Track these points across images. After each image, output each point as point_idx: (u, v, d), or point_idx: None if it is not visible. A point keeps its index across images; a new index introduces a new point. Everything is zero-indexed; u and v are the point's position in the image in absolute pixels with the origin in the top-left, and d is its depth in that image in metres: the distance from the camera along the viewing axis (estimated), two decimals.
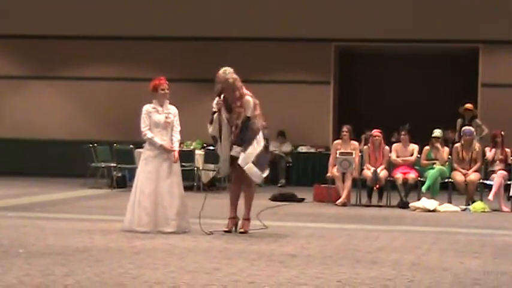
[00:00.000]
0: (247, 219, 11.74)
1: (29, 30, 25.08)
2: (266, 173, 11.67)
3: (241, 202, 11.84)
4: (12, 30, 25.20)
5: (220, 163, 11.94)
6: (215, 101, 11.53)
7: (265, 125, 11.71)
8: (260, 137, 11.45)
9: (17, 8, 25.19)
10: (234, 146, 11.46)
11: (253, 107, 11.43)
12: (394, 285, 7.76)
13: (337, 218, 14.62)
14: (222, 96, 11.46)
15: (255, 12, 24.16)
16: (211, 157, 19.90)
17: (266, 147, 11.70)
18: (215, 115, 11.53)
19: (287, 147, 23.31)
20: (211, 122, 11.55)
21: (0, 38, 25.50)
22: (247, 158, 11.30)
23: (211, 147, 19.66)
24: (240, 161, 11.29)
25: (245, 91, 11.50)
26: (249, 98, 11.41)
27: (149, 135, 11.63)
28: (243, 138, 11.39)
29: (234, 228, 11.66)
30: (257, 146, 11.40)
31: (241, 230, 11.63)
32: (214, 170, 20.07)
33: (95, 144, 21.61)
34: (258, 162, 11.35)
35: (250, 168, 11.29)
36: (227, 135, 11.48)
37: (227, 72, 11.41)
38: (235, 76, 11.41)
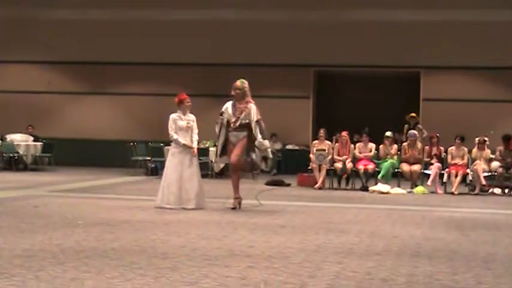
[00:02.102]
0: (236, 197, 11.64)
1: (86, 58, 25.03)
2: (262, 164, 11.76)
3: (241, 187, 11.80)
4: (73, 57, 25.15)
5: (218, 148, 11.96)
6: (228, 104, 11.64)
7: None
8: (261, 138, 11.53)
9: (77, 41, 25.12)
10: (234, 133, 11.50)
11: (256, 112, 11.51)
12: (357, 248, 7.74)
13: (315, 198, 14.60)
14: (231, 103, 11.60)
15: (254, 45, 24.12)
16: None
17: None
18: (219, 119, 11.63)
19: (278, 146, 23.31)
20: (221, 114, 11.63)
21: (65, 64, 25.38)
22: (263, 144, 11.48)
23: None
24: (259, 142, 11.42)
25: (251, 99, 11.55)
26: (253, 106, 11.48)
27: (175, 136, 11.65)
28: (241, 131, 11.47)
29: (238, 206, 11.63)
30: (262, 144, 11.51)
31: (231, 206, 11.55)
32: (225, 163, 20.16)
33: (135, 143, 21.68)
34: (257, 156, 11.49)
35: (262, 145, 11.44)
36: (223, 132, 11.55)
37: (243, 82, 11.58)
38: (247, 86, 11.55)
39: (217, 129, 11.72)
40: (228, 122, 11.56)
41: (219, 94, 21.53)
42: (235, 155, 11.50)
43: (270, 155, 12.17)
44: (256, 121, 11.42)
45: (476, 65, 23.33)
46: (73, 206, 11.58)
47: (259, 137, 11.41)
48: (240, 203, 11.64)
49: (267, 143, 11.61)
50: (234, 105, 11.57)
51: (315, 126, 22.55)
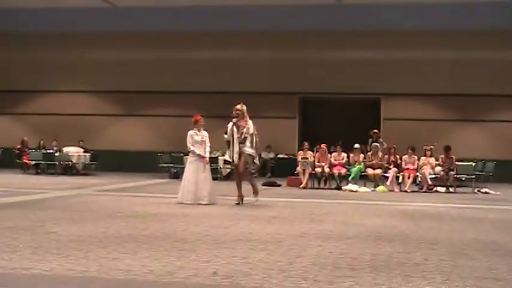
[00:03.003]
0: (254, 192, 11.67)
1: (123, 88, 25.02)
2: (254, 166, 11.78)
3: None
4: (113, 88, 25.18)
5: (231, 155, 11.87)
6: (230, 124, 11.62)
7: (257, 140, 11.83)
8: (256, 145, 11.57)
9: (116, 74, 25.17)
10: (240, 145, 11.51)
11: (253, 128, 11.56)
12: (333, 234, 7.72)
13: (300, 195, 14.59)
14: (235, 120, 11.58)
15: (253, 78, 24.15)
16: (227, 161, 19.95)
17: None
18: (229, 129, 11.59)
19: (271, 155, 23.28)
20: (226, 133, 11.59)
21: (107, 92, 25.38)
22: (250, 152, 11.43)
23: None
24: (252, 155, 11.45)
25: (248, 119, 11.55)
26: (251, 122, 11.53)
27: (191, 148, 11.63)
28: (245, 142, 11.48)
29: (241, 202, 11.63)
30: (254, 150, 11.52)
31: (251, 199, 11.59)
32: (231, 168, 20.13)
33: (161, 153, 21.59)
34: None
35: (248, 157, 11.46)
36: (236, 140, 11.56)
37: (242, 105, 11.56)
38: (245, 108, 11.54)
39: (226, 140, 11.71)
40: (232, 136, 11.58)
41: (225, 115, 21.48)
42: (242, 166, 11.48)
43: (257, 162, 12.07)
44: (251, 134, 11.43)
45: (425, 92, 23.32)
46: (113, 202, 11.56)
47: (247, 145, 11.38)
48: (242, 200, 11.64)
49: (248, 150, 11.36)
50: (236, 124, 11.59)
51: (300, 140, 22.54)
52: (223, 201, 11.71)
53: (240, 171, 11.60)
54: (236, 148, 11.45)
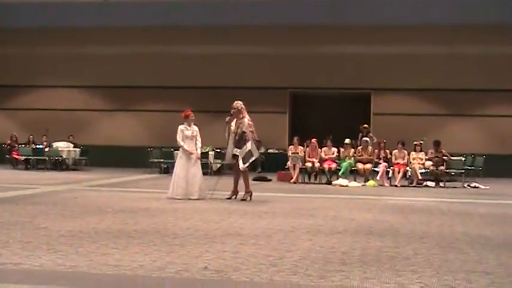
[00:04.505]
0: (246, 192, 11.44)
1: (113, 83, 24.98)
2: (247, 165, 11.58)
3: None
4: (104, 83, 25.15)
5: (226, 154, 11.92)
6: (227, 118, 11.59)
7: (256, 136, 11.66)
8: (249, 143, 11.39)
9: (107, 69, 25.11)
10: (235, 148, 11.46)
11: (247, 125, 11.44)
12: (323, 228, 7.73)
13: (290, 190, 14.59)
14: (227, 119, 11.53)
15: (244, 72, 24.13)
16: (218, 156, 19.97)
17: (258, 143, 11.52)
18: (227, 126, 11.59)
19: (262, 150, 23.20)
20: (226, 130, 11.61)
21: (98, 87, 25.30)
22: (240, 153, 11.30)
23: (218, 150, 19.78)
24: (238, 154, 11.28)
25: (246, 115, 11.39)
26: (246, 120, 11.36)
27: (181, 143, 11.58)
28: (241, 143, 11.39)
29: (234, 196, 11.57)
30: (246, 148, 11.37)
31: (242, 198, 11.33)
32: (220, 163, 20.13)
33: (151, 148, 21.55)
34: (244, 158, 11.34)
35: (241, 161, 11.30)
36: (232, 140, 11.51)
37: (239, 102, 11.44)
38: (242, 106, 11.40)
39: (226, 134, 11.57)
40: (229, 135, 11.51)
41: (216, 110, 21.65)
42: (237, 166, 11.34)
43: (244, 169, 11.41)
44: (243, 132, 11.31)
45: (414, 87, 23.39)
46: (104, 197, 11.51)
47: (235, 150, 11.22)
48: (236, 195, 11.54)
49: (237, 150, 11.17)
50: (230, 122, 11.49)
51: (291, 135, 22.54)
52: (213, 196, 11.67)
53: (236, 170, 11.49)
54: (230, 147, 11.43)
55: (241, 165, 11.20)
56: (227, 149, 11.63)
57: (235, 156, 11.35)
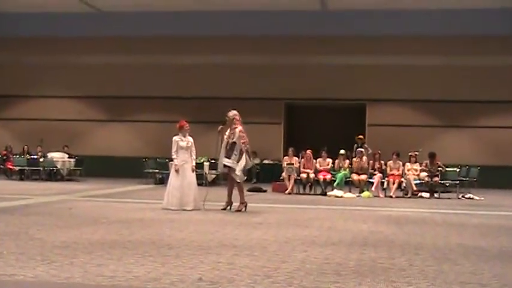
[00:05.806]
0: (241, 203, 11.42)
1: (108, 93, 25.16)
2: (244, 178, 11.58)
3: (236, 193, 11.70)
4: (98, 93, 25.30)
5: (218, 164, 11.91)
6: (219, 127, 11.55)
7: (248, 147, 11.61)
8: (243, 158, 11.34)
9: (101, 80, 25.19)
10: (225, 158, 11.45)
11: (238, 136, 11.41)
12: (318, 239, 7.74)
13: (285, 201, 14.62)
14: (219, 128, 11.50)
15: (239, 83, 24.24)
16: (213, 166, 19.96)
17: (247, 154, 11.47)
18: (219, 136, 11.57)
19: (257, 161, 23.26)
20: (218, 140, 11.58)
21: (92, 98, 25.39)
22: (237, 166, 11.28)
23: (213, 161, 19.77)
24: (233, 167, 11.25)
25: (238, 126, 11.26)
26: (237, 130, 11.31)
27: (174, 156, 11.60)
28: (230, 153, 11.36)
29: (229, 207, 11.56)
30: (241, 161, 11.35)
31: (237, 209, 11.31)
32: (216, 174, 20.11)
33: (146, 159, 21.53)
34: (241, 170, 11.34)
35: (236, 174, 11.29)
36: (223, 150, 11.49)
37: (233, 112, 11.37)
38: (235, 116, 11.28)
39: (219, 145, 11.50)
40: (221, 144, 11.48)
41: (211, 121, 21.58)
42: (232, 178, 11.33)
43: (240, 181, 11.42)
44: (233, 142, 11.23)
45: (409, 98, 23.56)
46: (98, 208, 11.49)
47: (225, 159, 11.18)
48: (230, 206, 11.51)
49: (227, 161, 11.16)
50: (222, 131, 11.47)
51: (286, 146, 22.59)
52: (208, 207, 11.66)
53: (230, 180, 11.46)
54: (221, 157, 11.37)
55: (239, 178, 11.22)
56: (219, 159, 11.63)
57: (226, 166, 11.36)
